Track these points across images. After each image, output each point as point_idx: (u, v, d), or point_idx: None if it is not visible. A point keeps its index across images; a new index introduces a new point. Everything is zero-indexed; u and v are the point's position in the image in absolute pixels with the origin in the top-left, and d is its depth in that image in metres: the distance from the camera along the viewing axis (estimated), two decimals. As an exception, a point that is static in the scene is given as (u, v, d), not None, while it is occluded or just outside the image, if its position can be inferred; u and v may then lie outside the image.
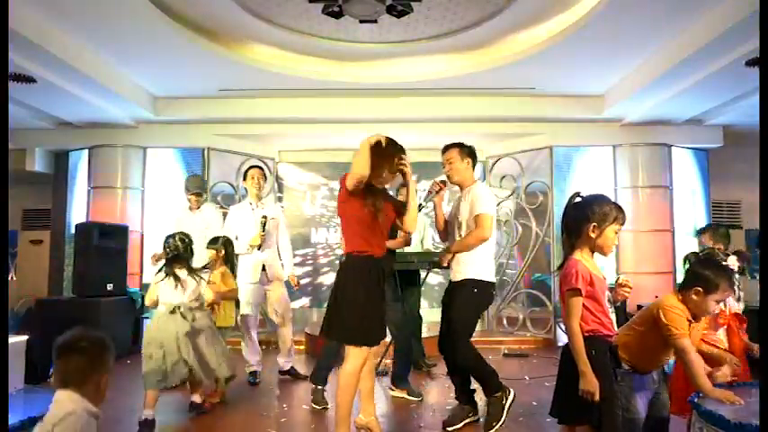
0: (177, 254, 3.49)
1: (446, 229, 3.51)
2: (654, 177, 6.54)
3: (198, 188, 4.96)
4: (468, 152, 3.44)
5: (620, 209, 2.21)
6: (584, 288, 2.10)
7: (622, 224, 2.21)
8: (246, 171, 4.64)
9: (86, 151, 6.65)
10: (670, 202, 6.57)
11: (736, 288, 2.50)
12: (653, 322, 2.25)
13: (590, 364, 2.04)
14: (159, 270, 3.48)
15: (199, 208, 4.93)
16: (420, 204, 3.26)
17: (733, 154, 7.06)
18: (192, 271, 3.48)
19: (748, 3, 3.72)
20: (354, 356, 2.69)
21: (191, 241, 3.61)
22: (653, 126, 6.48)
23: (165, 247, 3.56)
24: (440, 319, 3.40)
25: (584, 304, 2.11)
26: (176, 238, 3.53)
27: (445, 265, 3.32)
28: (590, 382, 2.03)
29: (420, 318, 4.91)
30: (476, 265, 3.23)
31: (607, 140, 6.65)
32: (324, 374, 3.78)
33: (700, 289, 2.23)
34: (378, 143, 2.66)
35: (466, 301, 3.20)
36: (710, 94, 5.37)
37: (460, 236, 3.32)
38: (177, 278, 3.39)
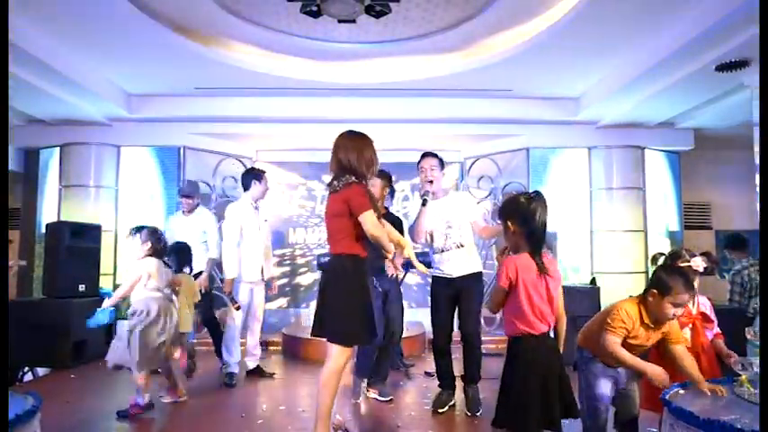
0: (165, 245, 3.84)
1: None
2: (628, 179, 6.67)
3: (187, 192, 5.02)
4: (443, 163, 3.79)
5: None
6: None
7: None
8: (262, 173, 4.61)
9: (58, 149, 6.50)
10: (643, 203, 6.71)
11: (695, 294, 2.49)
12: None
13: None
14: (147, 256, 3.66)
15: (191, 212, 4.98)
16: (425, 199, 3.61)
17: (703, 157, 7.25)
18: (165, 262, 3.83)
19: (719, 9, 3.82)
20: (339, 355, 2.70)
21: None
22: (627, 128, 6.60)
23: (154, 240, 3.71)
24: (455, 307, 3.68)
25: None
26: (162, 234, 3.82)
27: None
28: None
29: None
30: (479, 261, 3.79)
31: (582, 142, 6.76)
32: (367, 369, 3.95)
33: (655, 291, 2.27)
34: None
35: (481, 288, 3.78)
36: (682, 97, 5.49)
37: (448, 236, 3.64)
38: (167, 266, 3.80)
